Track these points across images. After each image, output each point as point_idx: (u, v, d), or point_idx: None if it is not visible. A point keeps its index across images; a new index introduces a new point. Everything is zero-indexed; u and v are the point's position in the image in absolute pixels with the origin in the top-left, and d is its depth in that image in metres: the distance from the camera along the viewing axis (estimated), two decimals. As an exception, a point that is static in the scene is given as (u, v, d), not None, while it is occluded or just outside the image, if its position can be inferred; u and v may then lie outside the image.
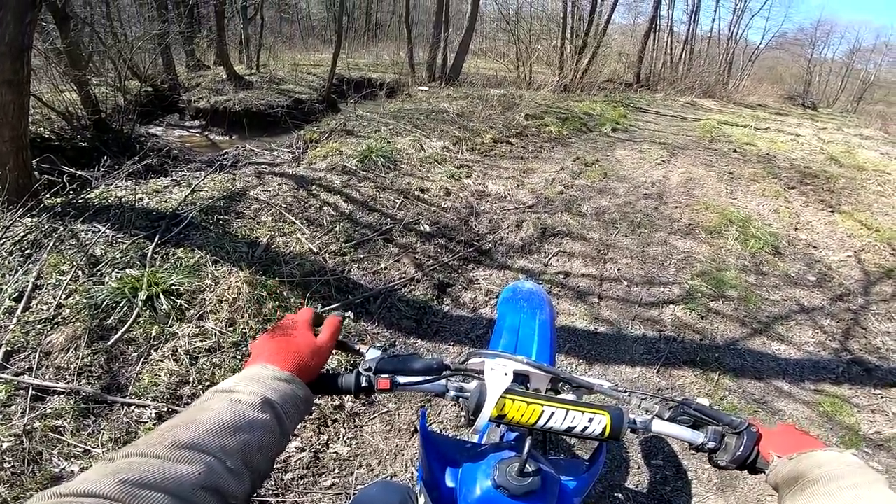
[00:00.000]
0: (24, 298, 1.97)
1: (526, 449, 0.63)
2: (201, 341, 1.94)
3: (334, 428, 1.78)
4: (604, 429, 0.65)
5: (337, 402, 1.86)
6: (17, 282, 2.04)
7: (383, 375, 0.70)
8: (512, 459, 0.66)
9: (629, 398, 0.73)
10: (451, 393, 0.72)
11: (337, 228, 2.77)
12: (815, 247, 3.64)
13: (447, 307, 2.47)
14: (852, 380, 2.36)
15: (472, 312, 2.46)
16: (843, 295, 3.01)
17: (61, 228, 2.32)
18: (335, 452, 1.70)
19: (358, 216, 2.95)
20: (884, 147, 8.38)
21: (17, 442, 1.52)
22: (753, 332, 2.59)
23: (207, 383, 1.81)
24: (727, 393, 2.19)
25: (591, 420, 0.65)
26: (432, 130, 4.86)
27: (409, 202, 3.21)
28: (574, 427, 0.65)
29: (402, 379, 0.71)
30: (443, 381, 0.73)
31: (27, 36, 2.52)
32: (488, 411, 0.64)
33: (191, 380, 1.80)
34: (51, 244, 2.23)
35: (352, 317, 2.22)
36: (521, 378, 0.76)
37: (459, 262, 2.79)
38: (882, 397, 2.28)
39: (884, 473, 1.72)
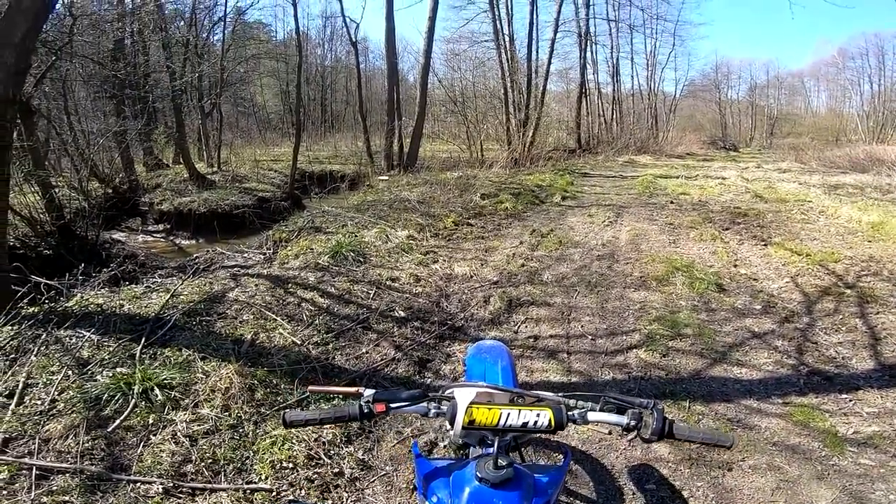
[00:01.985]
0: (17, 395, 2.01)
1: (496, 445, 0.84)
2: (199, 426, 2.02)
3: (337, 493, 1.83)
4: (549, 421, 0.85)
5: (336, 470, 1.92)
6: (5, 382, 2.11)
7: (379, 402, 0.90)
8: (488, 457, 0.85)
9: (568, 401, 0.94)
10: (433, 411, 0.93)
11: (317, 321, 2.91)
12: (755, 279, 3.99)
13: (429, 380, 2.60)
14: (816, 389, 2.50)
15: (454, 381, 2.57)
16: (788, 317, 3.27)
17: (44, 335, 2.40)
18: None
19: (335, 309, 3.11)
20: (801, 177, 9.40)
21: None
22: (714, 362, 2.79)
23: (210, 460, 1.87)
24: (701, 416, 2.30)
25: (538, 415, 0.85)
26: (396, 220, 5.18)
27: (382, 292, 3.41)
28: (527, 422, 0.85)
29: (393, 404, 0.91)
30: (424, 404, 0.94)
31: (7, 132, 2.55)
32: (461, 417, 0.86)
33: (193, 458, 1.86)
34: (36, 349, 2.31)
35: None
36: (486, 398, 0.96)
37: (436, 340, 2.95)
38: (850, 400, 2.39)
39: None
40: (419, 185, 6.99)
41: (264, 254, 4.73)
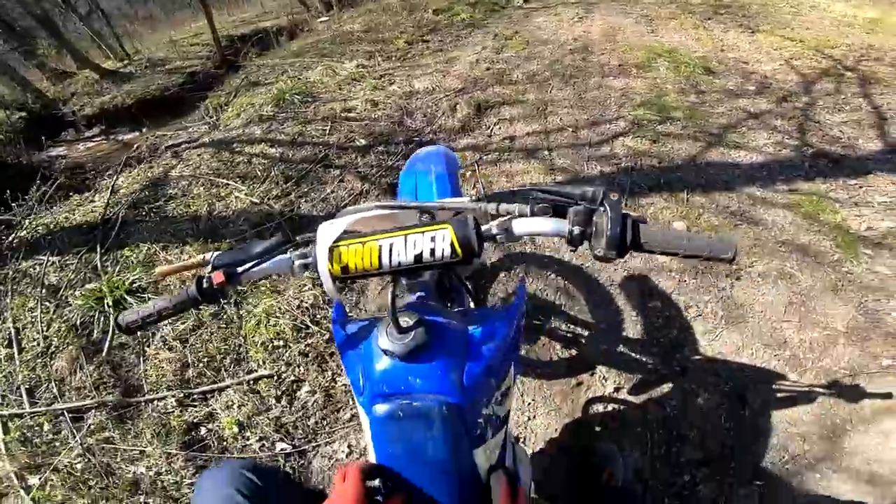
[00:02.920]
0: (14, 343, 2.01)
1: (390, 297, 0.56)
2: (182, 324, 1.96)
3: (334, 361, 1.80)
4: (451, 245, 0.55)
5: (327, 336, 1.85)
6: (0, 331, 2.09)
7: (216, 271, 0.65)
8: (386, 317, 0.59)
9: (483, 207, 0.63)
10: (297, 264, 0.65)
11: (272, 174, 2.64)
12: (745, 62, 3.67)
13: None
14: (823, 174, 2.30)
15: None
16: (785, 97, 3.07)
17: (10, 272, 2.29)
18: (343, 384, 1.74)
19: (290, 155, 2.80)
20: None
21: (86, 460, 1.60)
22: (709, 146, 2.62)
23: (206, 359, 1.83)
24: (702, 210, 2.13)
25: (433, 238, 0.56)
26: (342, 54, 4.51)
27: (339, 124, 3.04)
28: (421, 252, 0.56)
29: (240, 268, 0.65)
30: (286, 255, 0.66)
31: None
32: (324, 265, 0.58)
33: (189, 361, 1.83)
34: (8, 288, 2.20)
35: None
36: (368, 226, 0.66)
37: (404, 160, 2.70)
38: (860, 187, 2.19)
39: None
40: (362, 16, 5.99)
41: (208, 123, 4.25)
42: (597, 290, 1.82)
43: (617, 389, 1.51)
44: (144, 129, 7.10)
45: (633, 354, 1.60)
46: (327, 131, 2.98)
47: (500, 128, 2.95)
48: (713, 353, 1.57)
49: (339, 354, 0.76)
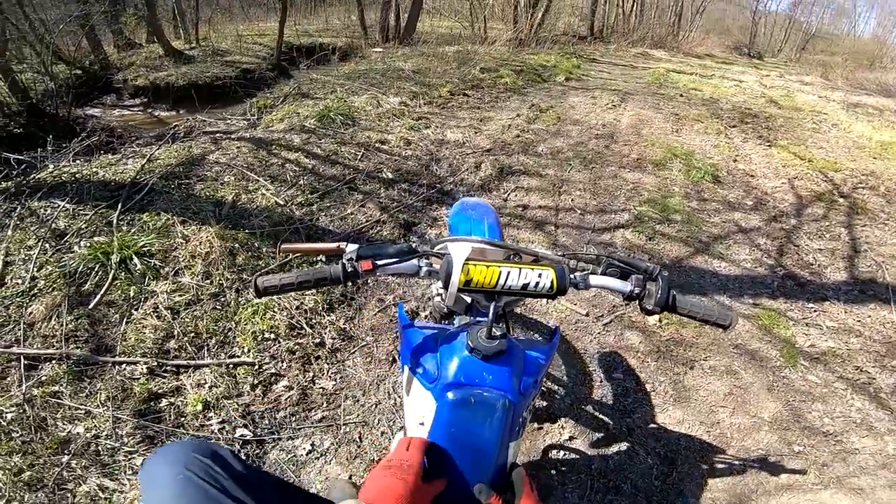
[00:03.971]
0: None
1: (492, 311, 0.74)
2: (180, 296, 1.97)
3: (318, 364, 1.85)
4: (551, 282, 0.75)
5: (318, 340, 1.93)
6: None
7: (364, 259, 0.77)
8: (481, 325, 0.77)
9: (567, 261, 0.84)
10: (424, 269, 0.80)
11: (301, 182, 2.83)
12: (752, 175, 3.93)
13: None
14: (787, 294, 2.51)
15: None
16: (777, 216, 3.28)
17: (19, 208, 2.28)
18: (321, 387, 1.78)
19: (321, 169, 3.01)
20: (822, 91, 8.82)
21: (20, 411, 1.54)
22: (696, 251, 2.82)
23: (192, 335, 1.84)
24: None
25: (540, 275, 0.75)
26: (388, 88, 4.84)
27: (371, 154, 3.28)
28: (528, 283, 0.74)
29: (380, 261, 0.78)
30: (415, 261, 0.81)
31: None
32: (457, 276, 0.74)
33: (175, 333, 1.83)
34: (12, 223, 2.19)
35: (323, 260, 2.32)
36: (482, 254, 0.86)
37: (423, 203, 2.91)
38: (815, 311, 2.41)
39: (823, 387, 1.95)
40: (415, 57, 6.42)
41: (248, 120, 4.49)
42: (574, 356, 2.05)
43: (571, 439, 1.70)
44: (182, 111, 7.42)
45: (593, 412, 1.82)
46: (359, 157, 3.21)
47: (516, 195, 3.18)
48: (658, 422, 1.81)
49: (405, 349, 0.88)
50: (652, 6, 21.63)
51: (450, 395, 0.74)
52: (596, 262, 0.87)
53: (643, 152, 4.09)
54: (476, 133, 3.91)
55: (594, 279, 0.81)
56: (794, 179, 3.90)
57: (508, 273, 0.75)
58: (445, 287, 0.76)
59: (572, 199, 3.21)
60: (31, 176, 2.67)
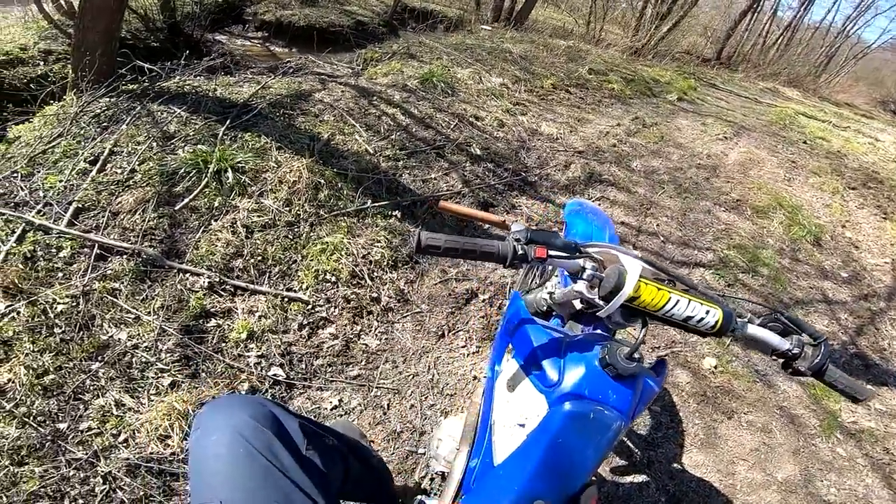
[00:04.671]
0: (100, 162, 2.05)
1: (642, 334, 0.69)
2: (258, 216, 2.06)
3: (368, 320, 1.85)
4: (715, 322, 0.71)
5: (375, 294, 1.94)
6: (93, 147, 2.14)
7: (538, 245, 0.72)
8: (621, 343, 0.72)
9: (726, 302, 0.77)
10: (588, 272, 0.74)
11: (393, 136, 2.88)
12: (856, 246, 3.56)
13: (487, 226, 2.55)
14: (851, 372, 2.37)
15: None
16: (868, 295, 3.00)
17: (139, 107, 2.46)
18: (365, 344, 1.78)
19: (413, 129, 3.05)
20: None
21: (73, 304, 1.53)
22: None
23: (259, 258, 1.90)
24: (733, 358, 2.26)
25: (707, 312, 0.70)
26: (493, 67, 4.78)
27: (463, 126, 3.27)
28: (692, 317, 0.70)
29: (552, 251, 0.72)
30: (580, 261, 0.74)
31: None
32: (629, 289, 0.69)
33: (244, 253, 1.88)
34: (129, 119, 2.35)
35: (398, 216, 2.37)
36: (651, 274, 0.77)
37: (504, 187, 2.88)
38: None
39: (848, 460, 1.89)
40: (524, 43, 6.26)
41: (353, 69, 4.64)
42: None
43: None
44: (295, 50, 7.85)
45: (622, 439, 1.79)
46: (452, 126, 3.22)
47: (600, 204, 3.05)
48: (678, 461, 1.81)
49: (519, 340, 0.84)
50: (801, 42, 19.53)
51: (567, 405, 0.71)
52: (758, 313, 0.81)
53: (746, 194, 3.77)
54: (571, 132, 3.78)
55: (752, 329, 0.76)
56: (898, 260, 3.48)
57: (678, 301, 0.70)
58: (612, 294, 0.69)
59: (657, 224, 3.04)
60: (157, 83, 2.92)
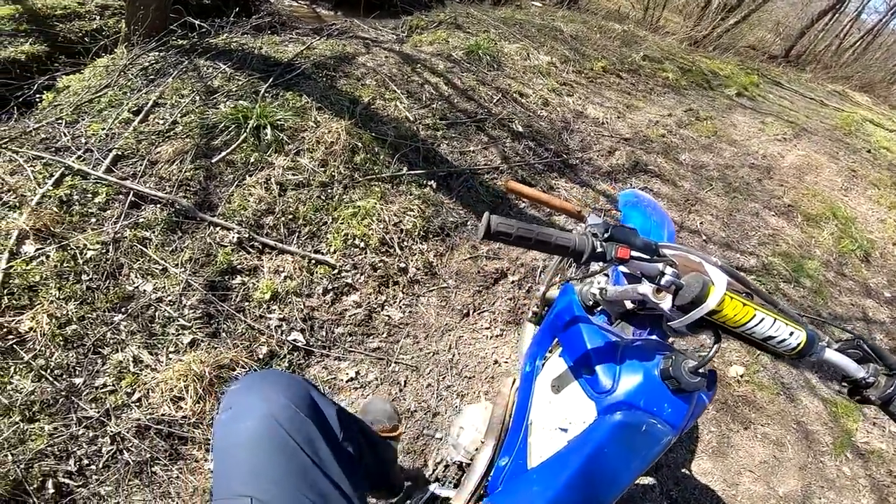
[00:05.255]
0: (143, 112, 2.06)
1: (714, 350, 0.64)
2: (293, 175, 2.04)
3: (393, 291, 1.81)
4: (798, 345, 0.65)
5: (402, 265, 1.89)
6: (138, 98, 2.16)
7: (620, 244, 0.65)
8: (686, 356, 0.67)
9: (806, 324, 0.71)
10: (668, 277, 0.67)
11: (434, 106, 2.81)
12: None
13: (523, 205, 2.49)
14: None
15: (546, 217, 2.48)
16: None
17: (186, 62, 2.47)
18: (388, 315, 1.74)
19: (455, 100, 2.96)
20: None
21: (103, 251, 1.52)
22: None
23: (290, 216, 1.88)
24: (761, 368, 2.19)
25: (791, 334, 0.65)
26: (541, 44, 4.59)
27: (507, 101, 3.16)
28: (774, 337, 0.65)
29: (634, 252, 0.66)
30: (660, 265, 0.68)
31: None
32: (713, 302, 0.62)
33: (276, 210, 1.86)
34: (175, 73, 2.36)
35: (433, 186, 2.33)
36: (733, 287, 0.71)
37: (544, 167, 2.78)
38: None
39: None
40: (576, 23, 5.97)
41: (397, 35, 4.55)
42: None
43: None
44: (340, 14, 7.73)
45: None
46: (495, 101, 3.11)
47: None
48: (686, 467, 1.78)
49: (569, 337, 0.78)
50: (882, 47, 17.98)
51: (619, 414, 0.67)
52: (841, 338, 0.75)
53: (798, 200, 3.54)
54: (619, 118, 3.61)
55: (830, 354, 0.70)
56: (947, 287, 3.22)
57: (762, 319, 0.65)
58: (692, 305, 0.63)
59: (700, 222, 2.89)
60: (206, 39, 2.92)
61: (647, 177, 3.09)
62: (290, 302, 1.63)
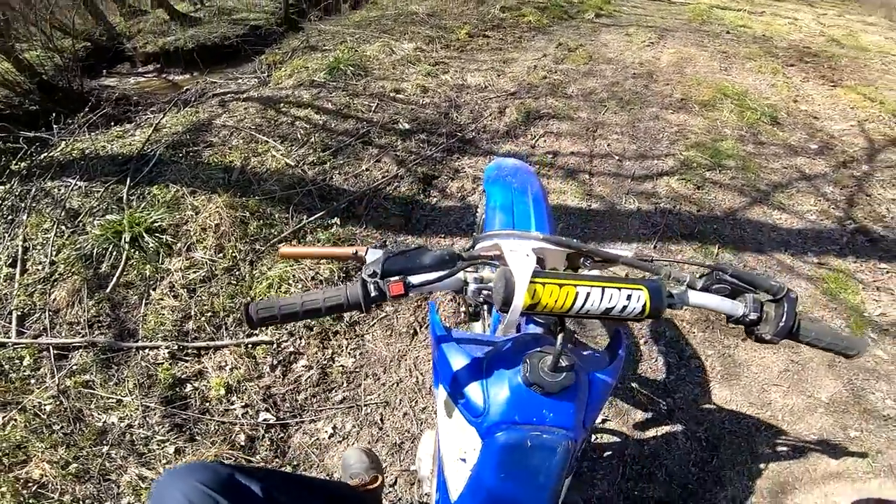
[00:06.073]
0: (19, 262, 1.98)
1: (560, 341, 0.55)
2: (194, 272, 1.94)
3: (336, 340, 1.78)
4: (643, 306, 0.57)
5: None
6: (6, 248, 2.04)
7: (393, 279, 0.59)
8: (543, 353, 0.59)
9: (658, 268, 0.63)
10: (472, 286, 0.62)
11: (312, 139, 2.64)
12: (815, 117, 3.47)
13: (434, 199, 2.40)
14: (857, 251, 2.24)
15: (461, 201, 2.40)
16: (846, 162, 2.90)
17: (34, 189, 2.26)
18: (341, 366, 1.72)
19: (333, 125, 2.80)
20: (888, 33, 7.75)
21: (57, 403, 1.57)
22: (753, 202, 2.51)
23: (209, 314, 1.81)
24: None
25: (629, 297, 0.56)
26: (402, 34, 4.49)
27: (385, 104, 3.03)
28: (612, 308, 0.56)
29: (414, 279, 0.59)
30: (460, 275, 0.62)
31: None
32: (520, 301, 0.55)
33: (192, 313, 1.80)
34: (27, 206, 2.18)
35: (338, 223, 2.17)
36: (541, 254, 0.65)
37: (443, 154, 2.68)
38: (887, 272, 2.13)
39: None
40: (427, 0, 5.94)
41: (259, 78, 4.29)
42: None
43: (605, 421, 1.58)
44: (196, 74, 7.26)
45: (630, 391, 1.66)
46: (373, 108, 2.97)
47: (545, 140, 2.89)
48: (702, 402, 1.65)
49: (439, 363, 0.70)
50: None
51: (500, 436, 0.59)
52: (706, 273, 0.66)
53: (688, 92, 3.65)
54: (499, 76, 3.57)
55: (694, 296, 0.63)
56: (863, 122, 3.41)
57: (588, 294, 0.56)
58: (504, 309, 0.56)
59: (608, 144, 2.90)
60: (44, 154, 2.64)
61: (544, 121, 3.06)
62: (245, 389, 1.64)
